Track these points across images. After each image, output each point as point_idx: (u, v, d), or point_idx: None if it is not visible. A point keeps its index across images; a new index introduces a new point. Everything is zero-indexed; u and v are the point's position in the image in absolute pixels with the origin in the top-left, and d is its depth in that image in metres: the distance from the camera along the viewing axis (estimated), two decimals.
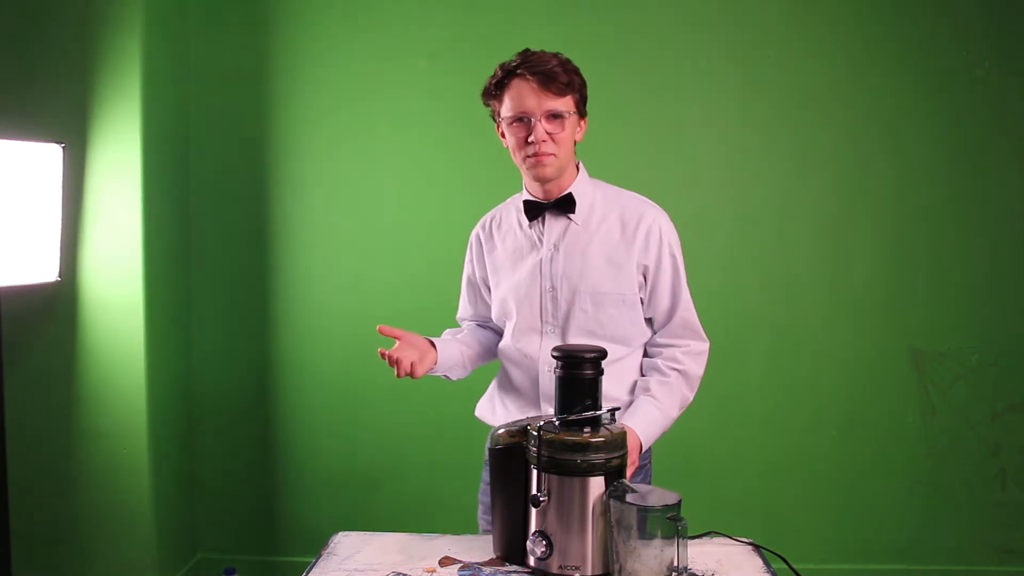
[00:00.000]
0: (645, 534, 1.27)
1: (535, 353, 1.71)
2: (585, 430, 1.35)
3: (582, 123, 1.69)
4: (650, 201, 1.75)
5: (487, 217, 1.84)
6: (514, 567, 1.42)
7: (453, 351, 1.76)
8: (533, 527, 1.38)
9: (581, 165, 1.74)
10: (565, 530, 1.35)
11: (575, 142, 1.69)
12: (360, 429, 3.00)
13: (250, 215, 2.98)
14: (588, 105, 1.70)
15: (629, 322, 1.71)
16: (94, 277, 2.63)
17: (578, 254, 1.69)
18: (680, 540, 1.25)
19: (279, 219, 2.98)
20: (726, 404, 2.95)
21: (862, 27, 2.88)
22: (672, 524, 1.25)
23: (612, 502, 1.30)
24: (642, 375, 1.75)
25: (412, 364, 1.63)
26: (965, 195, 2.90)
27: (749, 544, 1.53)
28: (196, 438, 3.03)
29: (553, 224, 1.71)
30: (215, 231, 2.99)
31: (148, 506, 2.68)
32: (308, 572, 1.41)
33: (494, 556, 1.46)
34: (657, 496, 1.30)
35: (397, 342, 1.65)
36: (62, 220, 2.36)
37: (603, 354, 1.40)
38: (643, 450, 1.63)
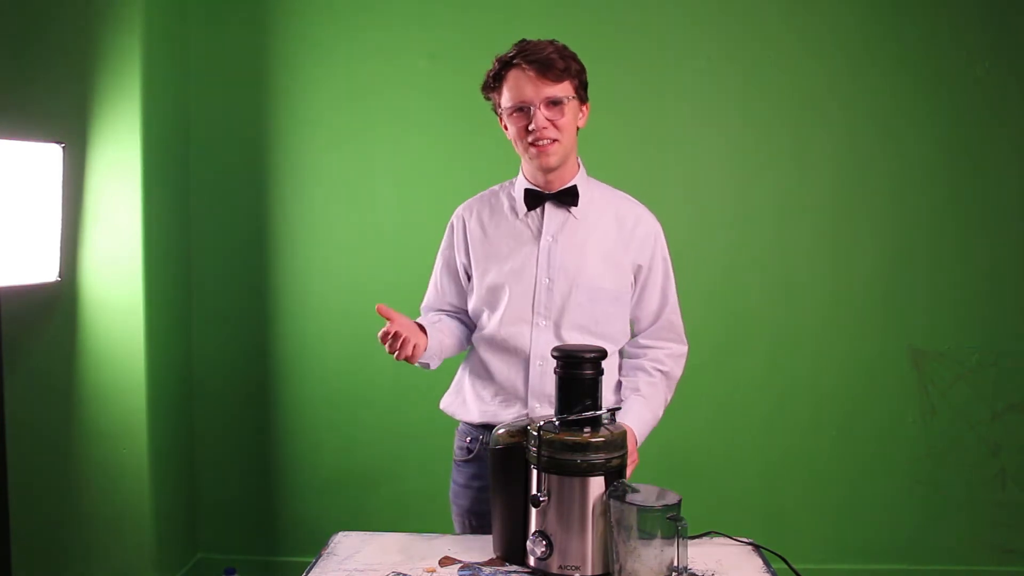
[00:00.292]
0: (645, 534, 1.27)
1: (525, 345, 1.69)
2: (585, 430, 1.35)
3: (584, 108, 1.69)
4: (640, 203, 1.78)
5: (472, 202, 1.80)
6: (514, 567, 1.42)
7: (437, 339, 1.71)
8: (533, 527, 1.38)
9: (581, 162, 1.75)
10: (565, 530, 1.35)
11: (578, 128, 1.68)
12: (360, 429, 3.00)
13: (250, 215, 2.99)
14: (589, 104, 1.71)
15: (619, 319, 1.72)
16: (94, 277, 2.63)
17: (576, 247, 1.69)
18: (680, 540, 1.25)
19: (279, 219, 2.98)
20: (726, 404, 2.96)
21: (862, 27, 2.88)
22: (672, 524, 1.25)
23: (612, 502, 1.30)
24: (623, 375, 1.77)
25: (415, 346, 1.60)
26: (965, 195, 2.90)
27: (749, 544, 1.53)
28: (196, 438, 3.03)
29: (553, 215, 1.71)
30: (215, 231, 2.99)
31: (148, 506, 2.68)
32: (308, 572, 1.41)
33: (494, 556, 1.46)
34: (657, 496, 1.30)
35: (390, 323, 1.58)
36: (62, 220, 2.35)
37: (603, 354, 1.40)
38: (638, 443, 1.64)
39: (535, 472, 1.37)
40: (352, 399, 2.99)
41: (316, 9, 2.93)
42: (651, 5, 2.90)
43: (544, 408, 1.68)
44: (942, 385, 2.94)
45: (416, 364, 1.67)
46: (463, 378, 1.81)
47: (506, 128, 1.68)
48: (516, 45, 1.64)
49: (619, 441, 1.36)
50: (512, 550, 1.43)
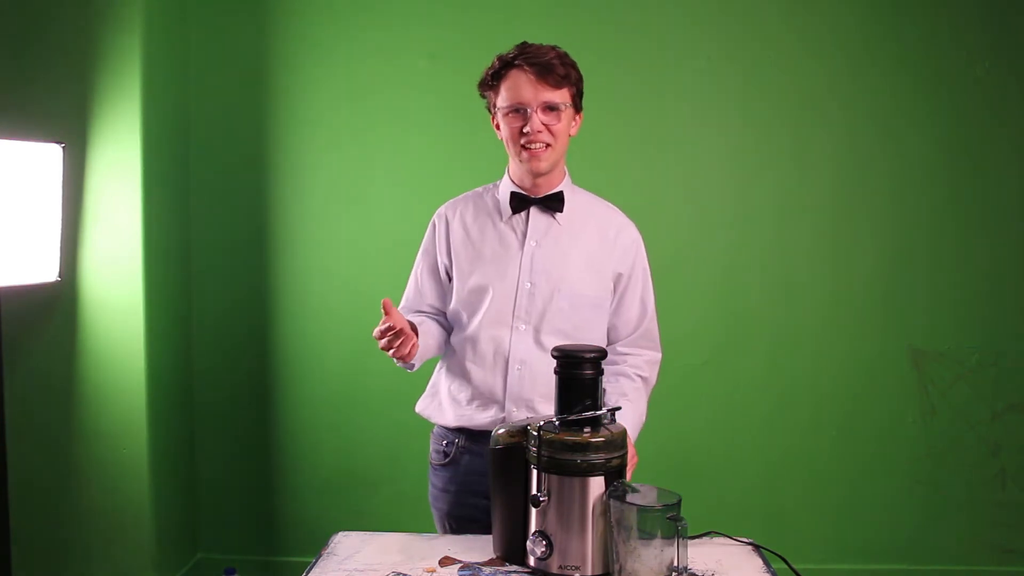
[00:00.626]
0: (645, 534, 1.27)
1: (504, 348, 1.68)
2: (585, 430, 1.35)
3: (577, 117, 1.69)
4: (622, 212, 1.78)
5: (457, 202, 1.79)
6: (514, 567, 1.42)
7: (424, 340, 1.69)
8: (533, 527, 1.38)
9: (567, 171, 1.75)
10: (565, 530, 1.35)
11: (570, 136, 1.69)
12: (360, 429, 3.00)
13: (250, 215, 2.98)
14: (588, 104, 1.71)
15: (598, 327, 1.73)
16: (94, 277, 2.63)
17: (560, 253, 1.69)
18: (680, 540, 1.25)
19: (279, 219, 2.98)
20: (726, 404, 2.96)
21: (862, 27, 2.88)
22: (672, 524, 1.25)
23: (612, 502, 1.30)
24: (604, 381, 1.78)
25: (413, 345, 1.58)
26: (965, 195, 2.90)
27: (749, 544, 1.53)
28: (196, 438, 3.03)
29: (538, 219, 1.71)
30: (215, 231, 2.99)
31: (148, 506, 2.68)
32: (308, 572, 1.41)
33: (494, 556, 1.46)
34: (657, 496, 1.30)
35: (389, 318, 1.54)
36: (62, 220, 2.35)
37: (603, 354, 1.40)
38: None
39: (535, 472, 1.37)
40: (352, 399, 2.99)
41: (316, 9, 2.93)
42: (651, 5, 2.90)
43: (521, 412, 1.67)
44: (942, 385, 2.94)
45: (399, 364, 1.67)
46: (439, 381, 1.80)
47: (498, 128, 1.68)
48: (518, 46, 1.64)
49: (619, 441, 1.36)
50: (512, 550, 1.43)
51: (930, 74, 2.88)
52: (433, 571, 1.41)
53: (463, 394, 1.73)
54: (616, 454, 1.35)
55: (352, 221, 2.97)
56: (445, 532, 1.78)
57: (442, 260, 1.77)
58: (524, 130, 1.61)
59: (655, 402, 1.82)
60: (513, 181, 1.73)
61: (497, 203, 1.74)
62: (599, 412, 1.38)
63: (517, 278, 1.68)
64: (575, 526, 1.34)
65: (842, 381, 2.94)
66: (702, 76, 2.91)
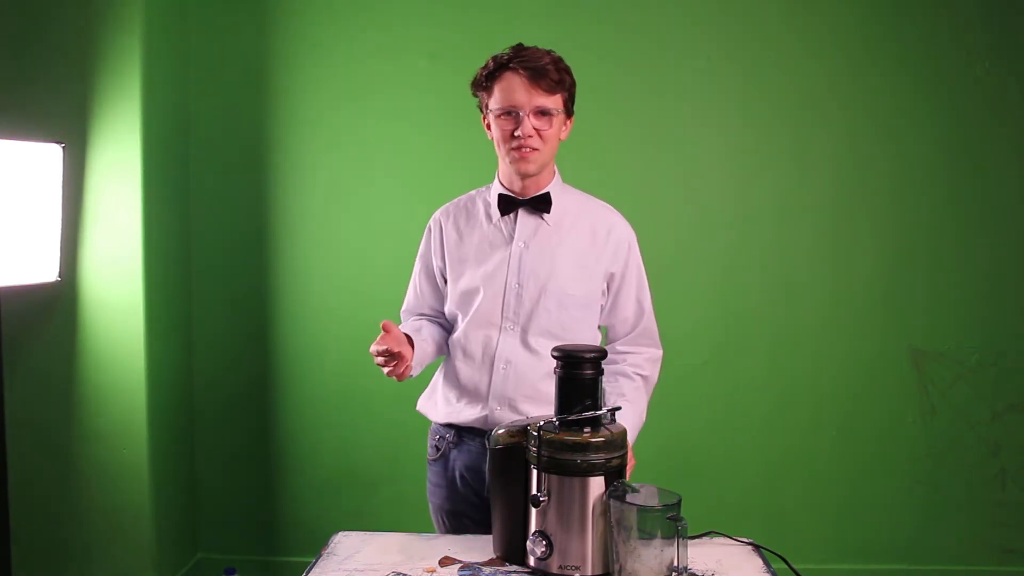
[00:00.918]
0: (645, 534, 1.27)
1: (491, 347, 1.70)
2: (585, 430, 1.35)
3: (568, 122, 1.70)
4: (615, 210, 1.78)
5: (450, 205, 1.82)
6: (514, 567, 1.42)
7: (421, 348, 1.72)
8: (533, 527, 1.38)
9: (556, 169, 1.76)
10: (565, 530, 1.35)
11: (560, 140, 1.69)
12: (360, 429, 3.00)
13: (250, 215, 2.98)
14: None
15: (587, 326, 1.73)
16: (94, 277, 2.63)
17: (548, 254, 1.70)
18: (680, 540, 1.25)
19: (279, 219, 2.98)
20: (726, 404, 2.96)
21: (862, 27, 2.88)
22: (672, 524, 1.25)
23: (612, 502, 1.30)
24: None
25: (406, 368, 1.61)
26: (965, 195, 2.90)
27: (749, 544, 1.53)
28: (196, 438, 3.03)
29: (526, 221, 1.72)
30: (215, 231, 2.99)
31: (148, 506, 2.68)
32: (308, 572, 1.41)
33: (494, 556, 1.46)
34: (657, 496, 1.30)
35: (383, 334, 1.58)
36: (62, 220, 2.35)
37: (603, 354, 1.41)
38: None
39: (535, 472, 1.37)
40: (352, 399, 2.99)
41: (316, 9, 2.93)
42: (651, 5, 2.90)
43: (504, 411, 1.69)
44: (942, 385, 2.94)
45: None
46: (438, 380, 1.84)
47: (488, 128, 1.70)
48: (513, 48, 1.65)
49: (619, 441, 1.36)
50: (512, 550, 1.43)
51: (930, 74, 2.88)
52: (433, 571, 1.41)
53: (454, 392, 1.76)
54: (616, 454, 1.35)
55: (352, 221, 2.97)
56: (440, 527, 1.82)
57: (437, 264, 1.80)
58: (515, 133, 1.62)
59: (655, 402, 1.82)
60: (502, 183, 1.74)
61: (488, 206, 1.76)
62: (599, 412, 1.38)
63: (505, 279, 1.69)
64: (575, 526, 1.34)
65: (842, 381, 2.94)
66: (702, 76, 2.91)
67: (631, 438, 1.66)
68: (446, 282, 1.79)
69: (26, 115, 2.58)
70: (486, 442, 1.51)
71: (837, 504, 2.97)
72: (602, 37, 2.88)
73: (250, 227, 2.99)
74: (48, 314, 2.63)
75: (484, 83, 1.67)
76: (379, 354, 1.57)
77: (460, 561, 1.45)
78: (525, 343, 1.69)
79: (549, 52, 1.65)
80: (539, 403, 1.67)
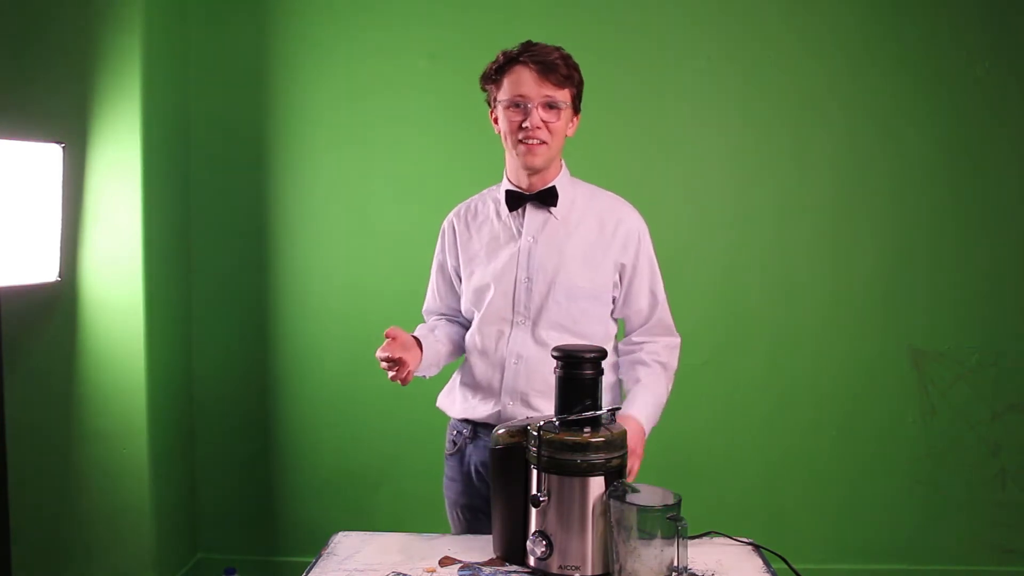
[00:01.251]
0: (645, 534, 1.27)
1: (503, 342, 1.72)
2: (585, 430, 1.35)
3: (575, 119, 1.72)
4: (626, 202, 1.79)
5: (461, 206, 1.84)
6: (514, 567, 1.42)
7: (434, 349, 1.75)
8: (533, 527, 1.38)
9: (564, 163, 1.77)
10: (565, 530, 1.35)
11: (566, 136, 1.71)
12: (360, 429, 3.00)
13: (250, 214, 2.99)
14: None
15: (598, 319, 1.74)
16: (94, 277, 2.63)
17: (556, 247, 1.71)
18: (680, 540, 1.25)
19: (279, 219, 2.98)
20: (726, 404, 2.96)
21: (862, 27, 2.88)
22: (672, 524, 1.25)
23: (612, 502, 1.30)
24: (621, 372, 1.79)
25: (408, 372, 1.62)
26: (965, 195, 2.90)
27: (749, 544, 1.54)
28: (196, 438, 3.03)
29: (533, 216, 1.72)
30: (215, 231, 2.99)
31: (148, 506, 2.68)
32: (308, 572, 1.41)
33: (494, 556, 1.46)
34: (657, 496, 1.30)
35: (388, 340, 1.60)
36: (62, 220, 2.35)
37: (603, 354, 1.41)
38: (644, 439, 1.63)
39: (535, 472, 1.37)
40: (352, 399, 2.99)
41: (316, 9, 2.93)
42: (651, 5, 2.90)
43: (516, 406, 1.70)
44: (942, 385, 2.94)
45: (418, 375, 1.71)
46: (456, 377, 1.85)
47: (496, 121, 1.71)
48: (523, 44, 1.67)
49: (619, 441, 1.36)
50: (512, 550, 1.43)
51: (930, 74, 2.88)
52: (433, 571, 1.41)
53: (469, 388, 1.78)
54: (616, 454, 1.35)
55: (352, 221, 2.97)
56: (455, 521, 1.83)
57: (451, 263, 1.83)
58: (523, 124, 1.63)
59: None
60: (509, 180, 1.75)
61: (497, 204, 1.78)
62: (599, 412, 1.38)
63: (515, 274, 1.71)
64: (575, 526, 1.34)
65: (842, 381, 2.94)
66: (702, 76, 2.91)
67: (647, 424, 1.65)
68: (461, 281, 1.81)
69: (26, 115, 2.58)
70: None
71: (837, 504, 2.97)
72: (602, 37, 2.88)
73: (250, 227, 2.99)
74: (48, 314, 2.63)
75: (493, 76, 1.69)
76: (382, 360, 1.59)
77: (460, 561, 1.45)
78: (536, 337, 1.70)
79: (558, 48, 1.67)
80: (551, 398, 1.67)
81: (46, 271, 2.31)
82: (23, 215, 2.20)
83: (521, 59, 1.64)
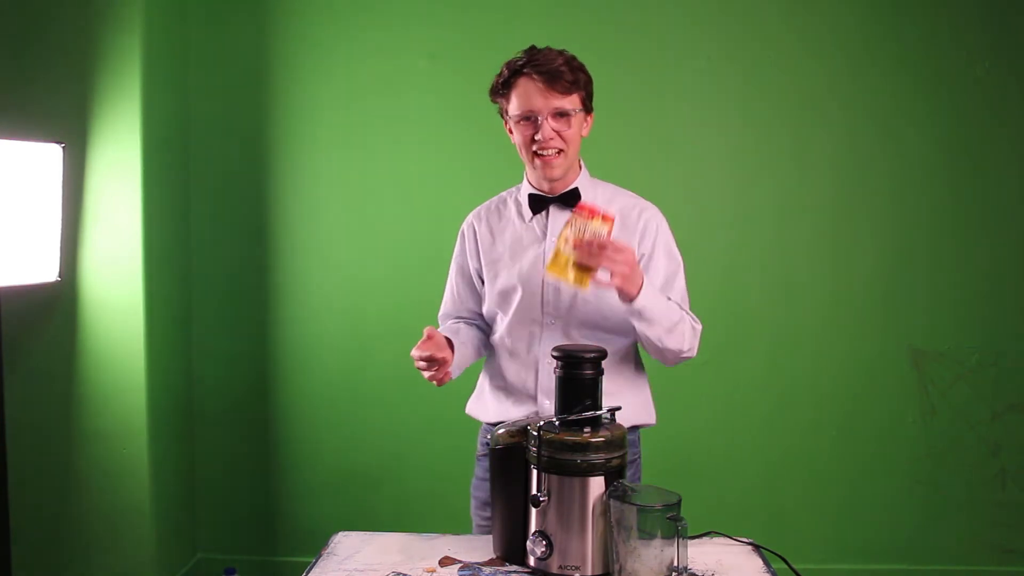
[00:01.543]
0: (645, 534, 1.27)
1: (535, 344, 1.71)
2: (585, 430, 1.35)
3: (588, 118, 1.71)
4: (648, 201, 1.79)
5: (481, 208, 1.84)
6: (514, 567, 1.42)
7: (461, 352, 1.73)
8: (533, 527, 1.38)
9: (583, 164, 1.77)
10: (565, 530, 1.35)
11: (582, 137, 1.70)
12: (360, 429, 3.00)
13: (250, 215, 2.99)
14: (593, 113, 1.72)
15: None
16: (94, 277, 2.63)
17: None
18: (680, 540, 1.25)
19: (279, 219, 2.98)
20: (726, 404, 2.96)
21: (862, 27, 2.88)
22: (672, 524, 1.25)
23: (612, 502, 1.30)
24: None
25: (446, 374, 1.61)
26: (965, 195, 2.90)
27: (749, 544, 1.53)
28: (196, 438, 3.03)
29: (557, 216, 1.72)
30: (215, 231, 2.99)
31: (148, 506, 2.68)
32: (308, 572, 1.41)
33: (494, 556, 1.46)
34: (657, 496, 1.30)
35: (424, 339, 1.58)
36: (62, 220, 2.36)
37: (603, 354, 1.41)
38: (635, 295, 1.53)
39: (535, 472, 1.37)
40: (352, 399, 2.99)
41: (316, 9, 2.93)
42: (651, 5, 2.90)
43: (552, 405, 1.68)
44: (942, 385, 2.94)
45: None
46: (484, 382, 1.84)
47: (511, 133, 1.70)
48: (526, 52, 1.65)
49: (619, 441, 1.36)
50: (512, 550, 1.43)
51: (930, 74, 2.88)
52: (433, 571, 1.41)
53: (502, 391, 1.77)
54: (616, 454, 1.35)
55: (352, 221, 2.97)
56: (479, 521, 1.81)
57: (473, 266, 1.82)
58: (536, 137, 1.63)
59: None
60: (531, 183, 1.76)
61: (519, 206, 1.78)
62: (599, 412, 1.38)
63: (542, 276, 1.70)
64: (575, 526, 1.34)
65: (842, 381, 2.94)
66: (702, 76, 2.91)
67: (649, 297, 1.56)
68: (483, 283, 1.81)
69: (26, 115, 2.58)
70: None
71: (837, 504, 2.96)
72: (602, 37, 2.88)
73: (250, 227, 2.99)
74: (48, 314, 2.63)
75: (501, 90, 1.68)
76: (421, 359, 1.57)
77: (460, 561, 1.45)
78: (568, 336, 1.70)
79: (562, 52, 1.65)
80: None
81: (46, 271, 2.32)
82: (23, 215, 2.20)
83: (525, 71, 1.62)
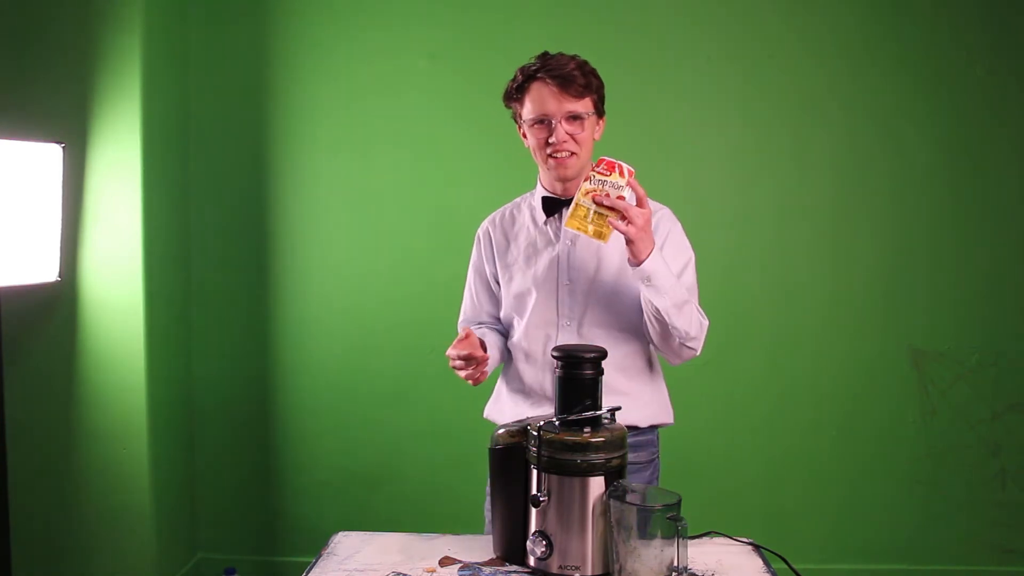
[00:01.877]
0: (645, 534, 1.27)
1: (551, 346, 1.72)
2: (585, 430, 1.35)
3: (600, 122, 1.76)
4: (659, 203, 1.81)
5: (496, 215, 1.87)
6: (514, 567, 1.42)
7: (490, 354, 1.75)
8: (533, 527, 1.38)
9: None
10: (565, 530, 1.35)
11: (595, 140, 1.74)
12: (360, 429, 3.00)
13: (250, 215, 2.99)
14: (604, 117, 1.74)
15: (641, 316, 1.73)
16: (94, 277, 2.63)
17: (593, 249, 1.73)
18: (680, 540, 1.25)
19: (279, 218, 2.98)
20: (726, 404, 2.96)
21: (862, 27, 2.88)
22: (672, 524, 1.25)
23: (612, 502, 1.30)
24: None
25: (482, 373, 1.64)
26: (965, 195, 2.90)
27: (749, 544, 1.53)
28: (196, 438, 3.03)
29: None
30: (215, 231, 2.99)
31: (148, 506, 2.68)
32: (308, 572, 1.41)
33: (494, 556, 1.46)
34: (657, 496, 1.30)
35: (460, 339, 1.61)
36: (62, 220, 2.35)
37: (603, 354, 1.41)
38: (644, 257, 1.55)
39: (535, 472, 1.37)
40: (352, 399, 2.99)
41: (316, 9, 2.93)
42: (651, 5, 2.90)
43: None
44: (942, 385, 2.94)
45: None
46: (501, 386, 1.86)
47: (525, 137, 1.73)
48: (539, 57, 1.69)
49: (619, 441, 1.36)
50: (512, 550, 1.43)
51: (930, 74, 2.88)
52: (433, 571, 1.41)
53: (519, 394, 1.78)
54: (616, 454, 1.35)
55: (352, 221, 2.97)
56: (491, 520, 1.80)
57: (490, 270, 1.85)
58: (550, 140, 1.66)
59: None
60: (544, 187, 1.78)
61: (533, 210, 1.80)
62: (599, 412, 1.38)
63: (556, 279, 1.73)
64: (575, 526, 1.34)
65: (842, 381, 2.94)
66: (702, 76, 2.91)
67: (657, 264, 1.57)
68: (500, 287, 1.83)
69: (26, 115, 2.58)
70: None
71: (837, 504, 2.96)
72: (602, 37, 2.88)
73: (250, 227, 2.99)
74: (48, 314, 2.63)
75: (515, 95, 1.71)
76: (459, 358, 1.59)
77: (460, 561, 1.45)
78: (583, 337, 1.71)
79: (574, 57, 1.69)
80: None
81: (46, 271, 2.32)
82: (23, 215, 2.20)
83: (539, 76, 1.66)
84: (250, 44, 2.94)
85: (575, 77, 1.65)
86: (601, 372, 1.41)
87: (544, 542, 1.36)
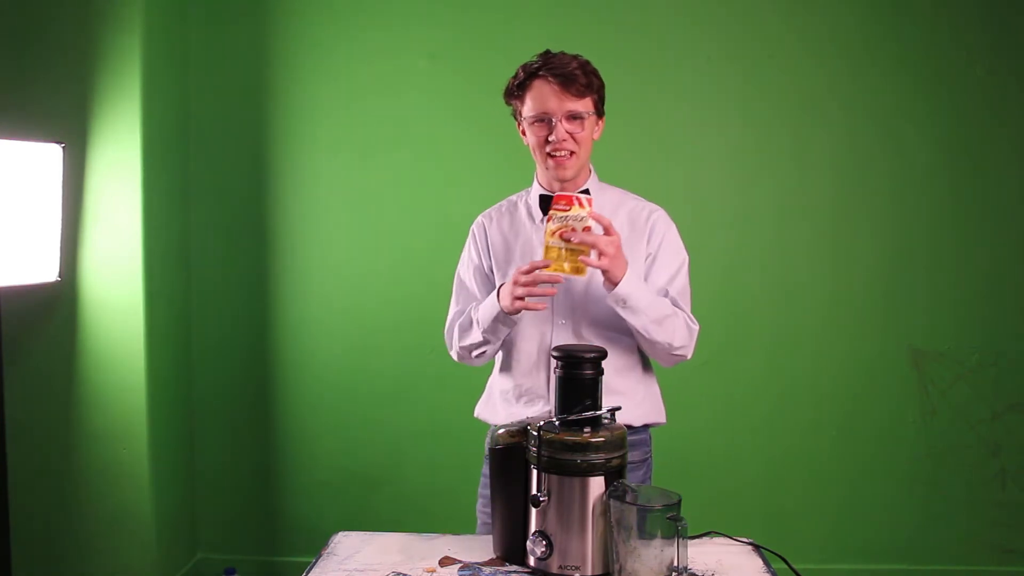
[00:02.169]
0: (645, 534, 1.27)
1: (546, 344, 1.72)
2: (585, 430, 1.35)
3: (600, 122, 1.76)
4: (656, 205, 1.81)
5: (491, 210, 1.86)
6: (514, 567, 1.42)
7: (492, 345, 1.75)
8: (533, 527, 1.38)
9: (592, 168, 1.80)
10: (565, 530, 1.35)
11: (593, 140, 1.73)
12: (360, 429, 3.00)
13: (250, 215, 2.99)
14: (604, 117, 1.74)
15: None
16: (94, 277, 2.63)
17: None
18: (680, 540, 1.25)
19: (279, 218, 2.98)
20: (726, 404, 2.96)
21: (862, 27, 2.88)
22: (672, 524, 1.25)
23: (612, 502, 1.30)
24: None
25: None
26: (965, 195, 2.90)
27: (749, 544, 1.53)
28: (196, 438, 3.03)
29: None
30: (215, 231, 2.99)
31: (148, 506, 2.68)
32: (308, 572, 1.41)
33: (494, 556, 1.46)
34: (657, 496, 1.30)
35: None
36: (62, 220, 2.35)
37: (603, 354, 1.41)
38: (616, 283, 1.56)
39: (535, 472, 1.37)
40: (352, 399, 2.99)
41: (316, 9, 2.93)
42: (651, 5, 2.90)
43: None
44: (942, 385, 2.94)
45: (495, 337, 1.70)
46: (492, 385, 1.85)
47: (524, 134, 1.73)
48: (541, 56, 1.69)
49: (619, 441, 1.36)
50: (512, 550, 1.43)
51: (930, 74, 2.88)
52: (433, 571, 1.41)
53: (512, 393, 1.77)
54: (616, 454, 1.35)
55: (352, 221, 2.97)
56: (484, 519, 1.79)
57: (486, 263, 1.83)
58: (549, 138, 1.66)
59: None
60: (541, 185, 1.78)
61: (529, 208, 1.80)
62: (599, 412, 1.38)
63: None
64: (575, 526, 1.34)
65: (842, 381, 2.94)
66: (702, 76, 2.91)
67: (633, 286, 1.58)
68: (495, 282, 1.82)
69: (26, 115, 2.58)
70: None
71: (837, 504, 2.97)
72: (602, 37, 2.88)
73: (250, 227, 2.99)
74: (48, 314, 2.63)
75: (516, 92, 1.71)
76: (526, 272, 1.55)
77: (460, 561, 1.45)
78: (578, 336, 1.71)
79: (576, 57, 1.69)
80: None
81: (46, 271, 2.31)
82: (23, 215, 2.20)
83: (540, 73, 1.65)
84: (250, 44, 2.94)
85: (577, 76, 1.65)
86: (601, 372, 1.41)
87: (544, 542, 1.36)
